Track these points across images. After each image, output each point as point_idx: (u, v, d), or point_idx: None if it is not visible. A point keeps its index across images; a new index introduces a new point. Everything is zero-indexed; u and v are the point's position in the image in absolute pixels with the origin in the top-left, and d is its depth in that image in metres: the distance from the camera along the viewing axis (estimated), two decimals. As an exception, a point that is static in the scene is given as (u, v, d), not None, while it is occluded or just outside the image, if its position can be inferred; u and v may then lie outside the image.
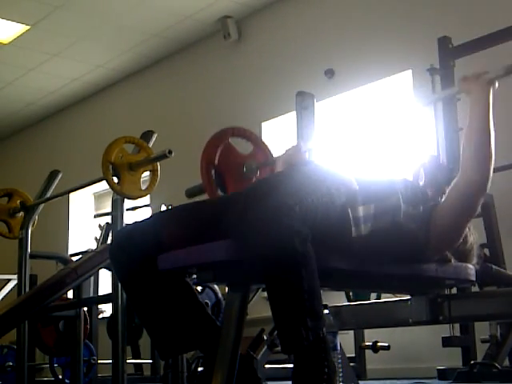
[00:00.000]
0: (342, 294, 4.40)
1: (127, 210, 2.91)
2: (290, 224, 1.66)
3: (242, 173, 2.32)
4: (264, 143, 2.46)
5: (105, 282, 5.04)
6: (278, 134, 6.21)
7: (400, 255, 1.95)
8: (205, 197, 2.35)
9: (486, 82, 1.96)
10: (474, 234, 2.14)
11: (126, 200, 2.82)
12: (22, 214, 3.74)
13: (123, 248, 1.98)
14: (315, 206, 1.75)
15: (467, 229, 2.06)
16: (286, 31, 6.49)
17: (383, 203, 1.92)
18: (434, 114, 4.10)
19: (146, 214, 5.51)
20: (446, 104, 3.93)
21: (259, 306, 3.29)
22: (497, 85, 1.98)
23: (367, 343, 4.58)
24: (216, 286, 3.59)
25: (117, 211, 2.82)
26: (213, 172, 2.26)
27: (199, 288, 3.46)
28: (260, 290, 3.75)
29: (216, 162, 2.26)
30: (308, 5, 6.32)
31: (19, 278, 3.60)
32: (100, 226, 5.72)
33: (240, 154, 2.36)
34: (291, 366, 1.74)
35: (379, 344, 4.52)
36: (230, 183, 2.28)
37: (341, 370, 2.76)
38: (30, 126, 9.44)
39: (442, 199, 2.03)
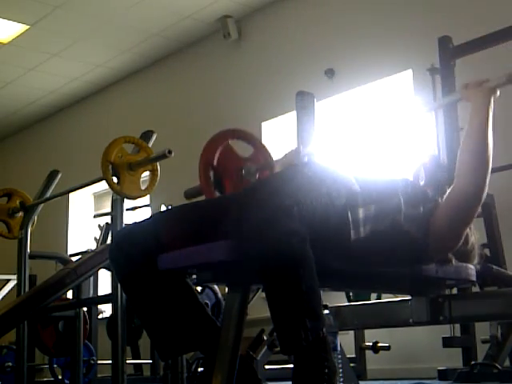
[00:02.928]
0: (342, 294, 4.40)
1: (127, 210, 2.90)
2: (288, 225, 1.65)
3: (241, 175, 2.30)
4: (264, 146, 2.43)
5: (104, 282, 5.04)
6: (278, 134, 6.21)
7: (400, 256, 1.94)
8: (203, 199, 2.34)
9: (488, 90, 1.93)
10: (476, 235, 2.13)
11: (125, 200, 2.81)
12: (21, 213, 3.73)
13: (123, 248, 1.97)
14: (314, 207, 1.74)
15: (468, 229, 2.05)
16: (286, 31, 6.48)
17: (384, 204, 1.91)
18: (435, 113, 4.10)
19: (145, 214, 5.50)
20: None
21: (259, 306, 3.28)
22: (498, 93, 1.94)
23: (367, 343, 4.59)
24: (216, 286, 3.58)
25: (116, 211, 2.81)
26: (211, 174, 2.24)
27: (199, 288, 3.45)
28: (260, 290, 3.74)
29: (215, 163, 2.24)
30: (308, 4, 6.31)
31: (19, 278, 3.60)
32: (100, 226, 5.72)
33: (239, 156, 2.33)
34: (291, 366, 1.73)
35: (379, 344, 4.53)
36: (228, 186, 2.26)
37: (341, 370, 2.76)
38: (30, 126, 9.44)
39: (443, 199, 2.02)
